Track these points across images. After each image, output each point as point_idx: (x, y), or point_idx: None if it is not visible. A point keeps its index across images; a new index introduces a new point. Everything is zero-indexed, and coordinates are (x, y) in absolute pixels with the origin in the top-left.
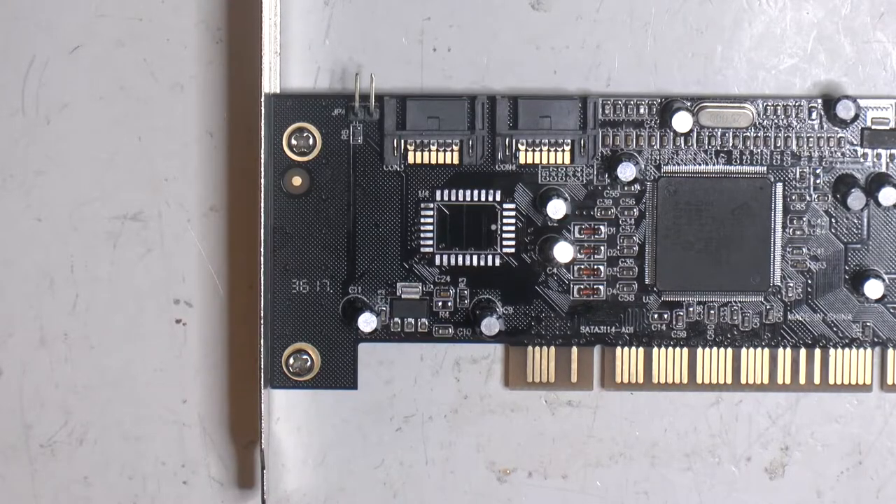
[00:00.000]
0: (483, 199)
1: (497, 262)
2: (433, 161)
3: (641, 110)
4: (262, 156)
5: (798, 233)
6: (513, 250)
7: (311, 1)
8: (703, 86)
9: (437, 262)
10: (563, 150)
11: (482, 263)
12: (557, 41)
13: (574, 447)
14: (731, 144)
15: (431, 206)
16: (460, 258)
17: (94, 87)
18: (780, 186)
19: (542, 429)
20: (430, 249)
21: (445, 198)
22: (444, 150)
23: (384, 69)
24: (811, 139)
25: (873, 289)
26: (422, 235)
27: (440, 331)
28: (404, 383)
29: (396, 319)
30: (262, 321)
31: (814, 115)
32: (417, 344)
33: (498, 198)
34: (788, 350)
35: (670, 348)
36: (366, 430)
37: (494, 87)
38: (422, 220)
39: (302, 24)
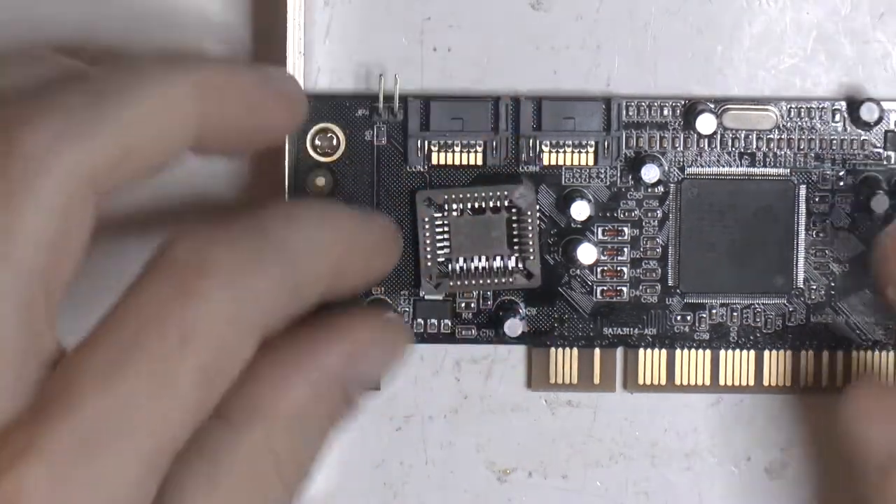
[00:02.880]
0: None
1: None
2: (457, 162)
3: (665, 112)
4: (286, 156)
5: (821, 235)
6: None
7: (311, 1)
8: (703, 86)
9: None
10: (587, 152)
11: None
12: (557, 41)
13: (574, 447)
14: (754, 146)
15: (455, 206)
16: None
17: None
18: (803, 188)
19: (542, 429)
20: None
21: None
22: (468, 151)
23: (384, 69)
24: (835, 141)
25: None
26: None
27: (463, 332)
28: (404, 383)
29: (419, 320)
30: None
31: (837, 118)
32: (417, 344)
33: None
34: (811, 352)
35: (693, 350)
36: (366, 430)
37: (495, 87)
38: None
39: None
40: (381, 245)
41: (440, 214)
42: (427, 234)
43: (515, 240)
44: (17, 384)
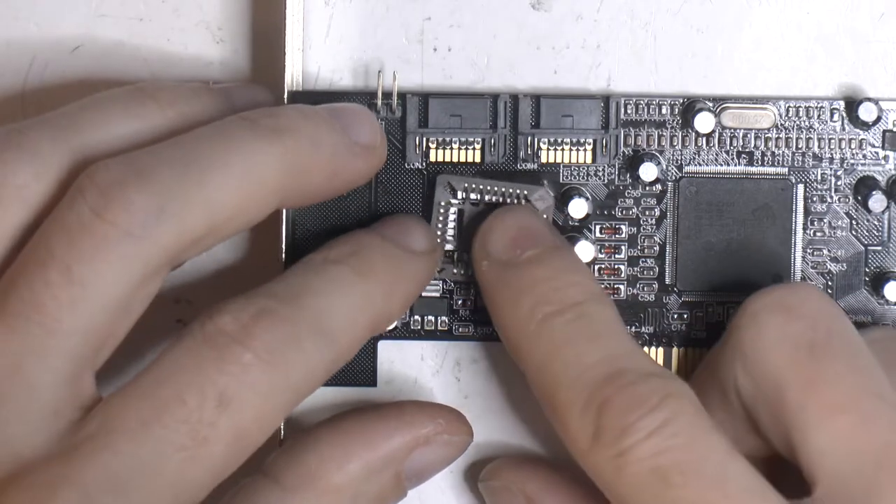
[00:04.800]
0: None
1: None
2: (455, 159)
3: (664, 110)
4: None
5: (819, 234)
6: None
7: (311, 1)
8: (703, 86)
9: (457, 260)
10: (585, 150)
11: None
12: (557, 41)
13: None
14: (752, 145)
15: (455, 203)
16: None
17: (95, 88)
18: (801, 188)
19: (542, 428)
20: (451, 247)
21: (470, 197)
22: (466, 148)
23: (384, 68)
24: (833, 141)
25: (893, 291)
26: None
27: (460, 329)
28: (404, 383)
29: (416, 317)
30: None
31: (835, 117)
32: (419, 342)
33: (522, 202)
34: None
35: (690, 348)
36: None
37: (495, 87)
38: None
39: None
40: (425, 278)
41: (457, 200)
42: (440, 219)
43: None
44: (52, 424)
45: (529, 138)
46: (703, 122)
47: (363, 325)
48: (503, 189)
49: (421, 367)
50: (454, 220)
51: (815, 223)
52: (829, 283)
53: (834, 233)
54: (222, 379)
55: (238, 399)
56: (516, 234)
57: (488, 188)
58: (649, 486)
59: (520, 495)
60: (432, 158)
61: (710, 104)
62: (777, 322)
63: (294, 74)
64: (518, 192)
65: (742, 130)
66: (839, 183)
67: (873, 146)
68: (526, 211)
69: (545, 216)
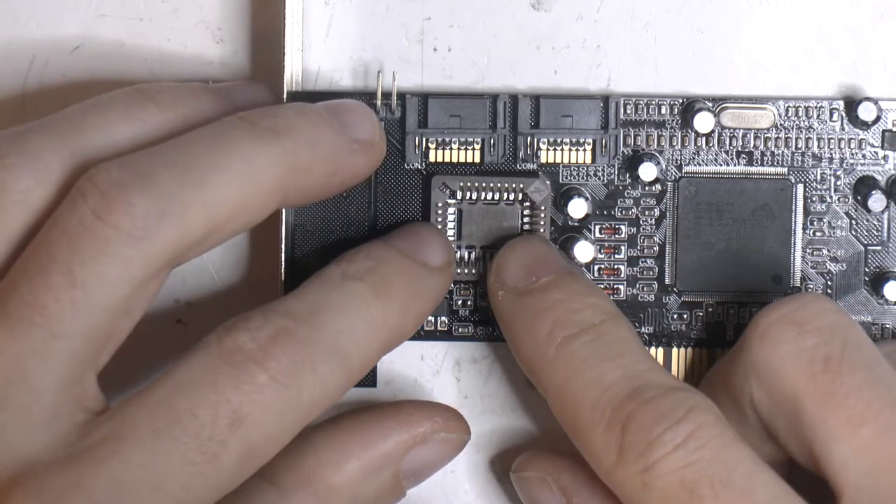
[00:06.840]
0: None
1: None
2: (455, 159)
3: (663, 110)
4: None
5: (818, 234)
6: None
7: (311, 1)
8: (703, 86)
9: (458, 259)
10: (585, 150)
11: None
12: (557, 41)
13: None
14: (752, 145)
15: (470, 195)
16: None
17: (95, 88)
18: (800, 188)
19: (542, 428)
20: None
21: (467, 196)
22: (466, 149)
23: (384, 68)
24: (832, 141)
25: (893, 291)
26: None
27: (460, 329)
28: (404, 383)
29: None
30: None
31: (835, 117)
32: (419, 343)
33: (519, 196)
34: None
35: (690, 348)
36: None
37: (495, 87)
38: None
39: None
40: (440, 295)
41: (454, 200)
42: (439, 220)
43: (526, 233)
44: (55, 426)
45: (529, 138)
46: (703, 121)
47: (377, 346)
48: (499, 185)
49: (421, 367)
50: (453, 221)
51: (815, 223)
52: (829, 283)
53: (833, 233)
54: (236, 397)
55: (250, 418)
56: (530, 262)
57: (485, 185)
58: (678, 499)
59: (554, 486)
60: (432, 159)
61: (710, 104)
62: (789, 337)
63: (294, 74)
64: (514, 185)
65: (741, 130)
66: (839, 183)
67: (873, 146)
68: (537, 240)
69: (542, 207)
